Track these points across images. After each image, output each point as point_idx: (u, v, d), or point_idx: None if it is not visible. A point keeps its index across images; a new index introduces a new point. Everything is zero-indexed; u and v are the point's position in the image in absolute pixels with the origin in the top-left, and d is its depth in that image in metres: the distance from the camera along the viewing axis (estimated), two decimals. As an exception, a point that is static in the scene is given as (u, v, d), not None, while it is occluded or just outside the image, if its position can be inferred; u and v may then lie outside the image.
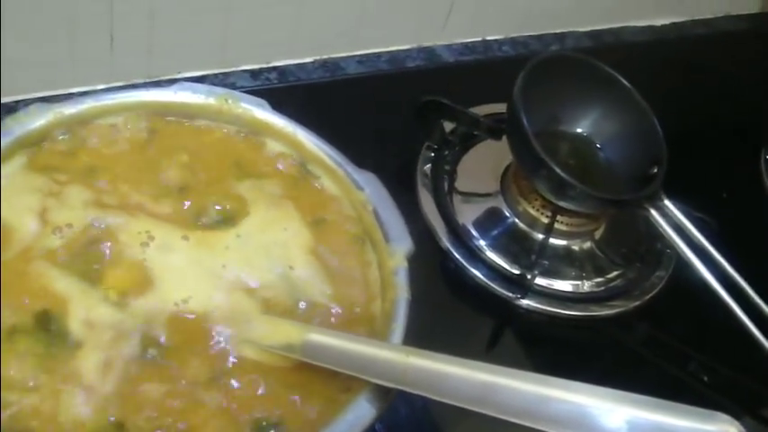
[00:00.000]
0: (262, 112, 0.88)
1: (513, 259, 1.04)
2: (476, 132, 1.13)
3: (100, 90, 1.08)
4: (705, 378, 1.03)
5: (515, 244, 1.06)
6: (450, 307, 1.03)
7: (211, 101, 0.88)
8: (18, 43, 1.00)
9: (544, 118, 1.04)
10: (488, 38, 1.34)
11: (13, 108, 1.04)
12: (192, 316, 0.74)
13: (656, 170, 1.01)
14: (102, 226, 0.78)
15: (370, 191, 0.84)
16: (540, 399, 0.64)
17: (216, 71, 1.17)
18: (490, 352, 1.00)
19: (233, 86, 1.15)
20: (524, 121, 0.96)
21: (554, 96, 1.05)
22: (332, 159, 0.87)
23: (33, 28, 1.00)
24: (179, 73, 1.14)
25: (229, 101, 0.88)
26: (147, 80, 1.13)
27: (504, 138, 1.07)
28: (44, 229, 0.77)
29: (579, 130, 1.09)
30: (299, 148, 0.88)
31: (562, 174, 0.96)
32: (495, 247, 1.05)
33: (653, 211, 0.99)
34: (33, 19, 0.99)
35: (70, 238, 0.77)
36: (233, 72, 1.18)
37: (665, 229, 0.99)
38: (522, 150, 1.01)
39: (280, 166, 0.88)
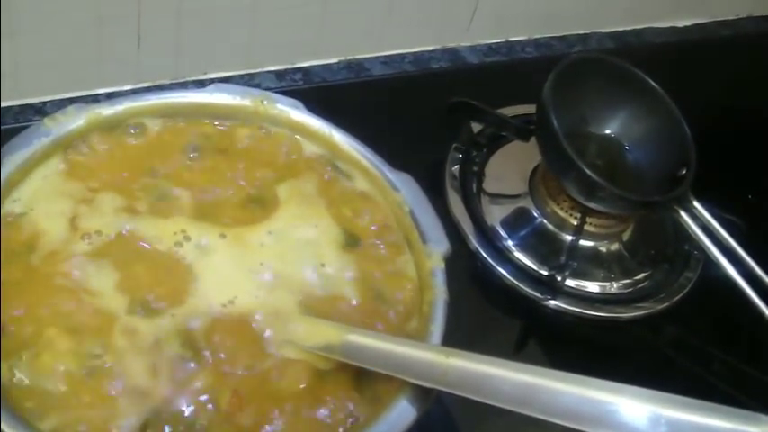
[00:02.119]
0: (297, 114, 0.89)
1: (541, 260, 1.04)
2: (504, 134, 1.13)
3: (133, 91, 1.09)
4: (734, 380, 1.02)
5: (543, 245, 1.06)
6: (478, 306, 1.03)
7: (247, 102, 0.89)
8: (46, 43, 1.01)
9: (573, 119, 1.04)
10: (511, 39, 1.34)
11: (40, 109, 1.06)
12: (239, 316, 0.75)
13: (684, 172, 1.00)
14: (138, 232, 0.78)
15: (406, 192, 0.85)
16: (582, 400, 0.64)
17: (241, 72, 1.17)
18: (518, 352, 1.00)
19: (258, 87, 1.15)
20: (554, 122, 0.97)
21: (582, 98, 1.05)
22: (368, 161, 0.87)
23: (61, 28, 1.00)
24: (205, 74, 1.15)
25: (265, 102, 0.89)
26: (174, 81, 1.13)
27: (533, 139, 1.07)
28: (73, 235, 0.77)
29: (607, 132, 1.08)
30: (335, 150, 0.88)
31: (592, 175, 0.96)
32: (523, 247, 1.06)
33: (682, 213, 0.99)
34: (61, 19, 0.99)
35: (100, 244, 0.77)
36: (258, 73, 1.18)
37: (693, 231, 0.99)
38: (551, 152, 1.01)
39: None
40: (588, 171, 0.96)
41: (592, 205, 1.01)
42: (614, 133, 1.08)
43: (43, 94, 1.07)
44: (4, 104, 1.05)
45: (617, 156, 1.07)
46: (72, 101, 1.06)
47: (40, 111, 1.06)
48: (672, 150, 1.04)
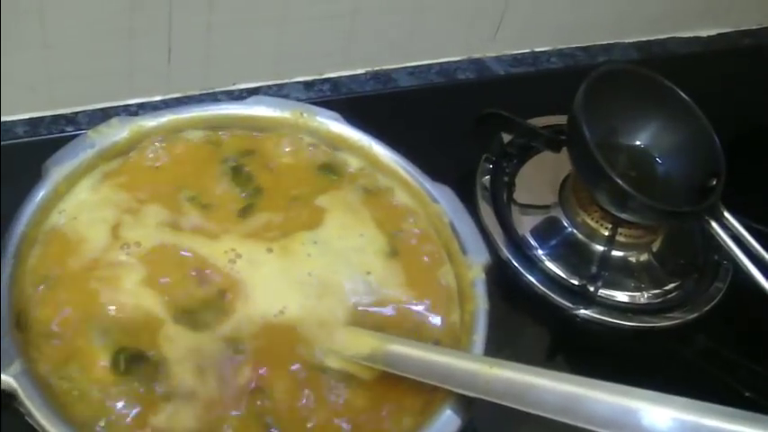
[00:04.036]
0: (337, 126, 0.90)
1: (571, 270, 1.05)
2: (534, 144, 1.13)
3: (164, 102, 1.11)
4: (765, 390, 1.02)
5: (574, 255, 1.07)
6: (508, 315, 1.02)
7: (287, 114, 0.90)
8: (78, 55, 1.02)
9: (603, 130, 1.04)
10: (537, 49, 1.34)
11: (72, 119, 1.07)
12: (287, 326, 0.76)
13: (714, 182, 1.01)
14: (188, 253, 0.79)
15: (445, 204, 0.86)
16: (624, 410, 0.65)
17: (270, 83, 1.18)
18: (548, 361, 1.01)
19: (286, 98, 1.16)
20: (586, 133, 0.97)
21: (613, 108, 1.05)
22: (407, 173, 0.89)
23: (94, 40, 1.01)
24: (234, 85, 1.16)
25: (304, 114, 0.90)
26: (203, 91, 1.14)
27: (563, 149, 1.08)
28: (113, 243, 0.79)
29: (638, 143, 1.09)
30: (375, 162, 0.90)
31: (624, 185, 0.96)
32: (553, 257, 1.06)
33: (713, 223, 0.99)
34: (94, 31, 1.00)
35: (138, 255, 0.79)
36: (287, 83, 1.19)
37: (724, 241, 0.99)
38: (582, 162, 1.02)
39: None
40: (620, 181, 0.96)
41: (623, 216, 1.01)
42: (644, 144, 1.09)
43: (75, 105, 1.08)
44: (36, 115, 1.06)
45: (647, 166, 1.08)
46: (103, 111, 1.08)
47: (73, 121, 1.07)
48: (702, 161, 1.04)
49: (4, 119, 1.03)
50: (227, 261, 0.79)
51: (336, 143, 0.90)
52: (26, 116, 1.06)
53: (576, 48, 1.37)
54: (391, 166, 0.89)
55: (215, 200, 0.84)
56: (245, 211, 0.84)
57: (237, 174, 0.86)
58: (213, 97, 1.14)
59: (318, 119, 0.90)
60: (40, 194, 0.78)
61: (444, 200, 0.86)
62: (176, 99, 1.12)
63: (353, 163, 0.90)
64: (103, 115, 1.07)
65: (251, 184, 0.86)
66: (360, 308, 0.80)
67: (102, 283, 0.76)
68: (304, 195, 0.86)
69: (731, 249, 0.99)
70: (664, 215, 1.02)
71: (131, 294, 0.76)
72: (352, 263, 0.82)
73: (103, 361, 0.71)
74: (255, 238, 0.81)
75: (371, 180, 0.89)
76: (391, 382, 0.74)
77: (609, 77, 1.04)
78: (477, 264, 0.82)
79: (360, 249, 0.83)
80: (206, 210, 0.83)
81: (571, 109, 1.00)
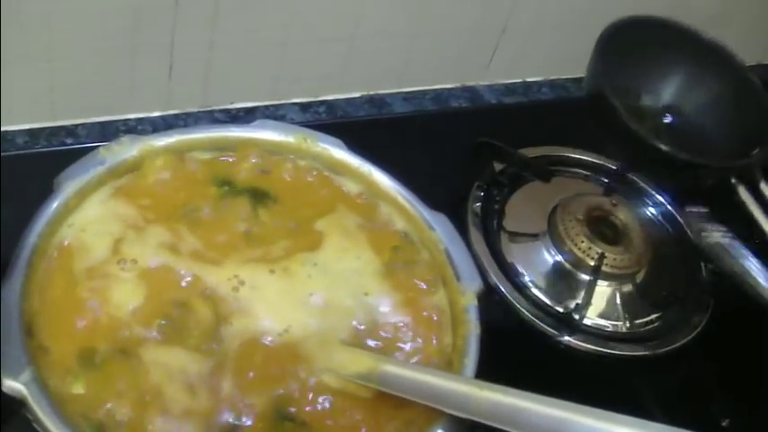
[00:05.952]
0: (339, 152, 0.93)
1: (557, 297, 1.07)
2: (525, 174, 1.16)
3: (162, 118, 1.13)
4: (742, 423, 1.04)
5: (560, 283, 1.09)
6: (494, 338, 1.04)
7: (291, 139, 0.92)
8: (81, 69, 1.04)
9: (622, 92, 1.01)
10: (528, 79, 1.37)
11: (72, 131, 1.08)
12: (290, 345, 0.79)
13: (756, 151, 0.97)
14: (188, 277, 0.81)
15: (441, 231, 0.89)
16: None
17: (267, 103, 1.20)
18: (532, 385, 1.02)
19: (283, 118, 1.18)
20: (616, 103, 0.96)
21: (630, 67, 1.03)
22: (405, 200, 0.91)
23: (97, 56, 1.03)
24: (231, 103, 1.18)
25: (308, 140, 0.92)
26: (201, 109, 1.16)
27: (553, 180, 1.11)
28: (112, 256, 0.81)
29: (663, 104, 1.08)
30: (374, 188, 0.92)
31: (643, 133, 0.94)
32: (540, 284, 1.08)
33: (740, 189, 0.99)
34: (98, 47, 1.02)
35: (134, 272, 0.80)
36: (283, 104, 1.21)
37: (749, 211, 0.98)
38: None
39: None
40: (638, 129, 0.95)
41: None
42: (670, 103, 1.08)
43: (75, 117, 1.09)
44: (36, 126, 1.07)
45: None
46: (102, 125, 1.09)
47: (72, 133, 1.09)
48: (743, 120, 1.01)
49: (3, 129, 1.05)
50: (231, 289, 0.81)
51: (338, 168, 0.93)
52: (26, 127, 1.07)
53: (567, 79, 1.40)
54: (390, 194, 0.92)
55: (218, 221, 0.86)
56: (247, 235, 0.86)
57: (241, 196, 0.88)
58: (211, 115, 1.16)
59: (321, 144, 0.93)
60: (53, 207, 0.80)
61: (440, 227, 0.89)
62: (175, 115, 1.14)
63: (353, 188, 0.92)
64: (102, 128, 1.10)
65: (254, 207, 0.88)
66: (359, 328, 0.82)
67: (94, 293, 0.78)
68: (305, 219, 0.89)
69: (758, 221, 0.97)
70: (687, 168, 0.98)
71: (120, 309, 0.78)
72: (350, 284, 0.84)
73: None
74: (257, 261, 0.84)
75: (370, 205, 0.91)
76: (387, 401, 0.76)
77: (623, 32, 1.02)
78: (470, 290, 0.85)
79: (357, 271, 0.86)
80: (208, 231, 0.85)
81: (588, 80, 1.01)
